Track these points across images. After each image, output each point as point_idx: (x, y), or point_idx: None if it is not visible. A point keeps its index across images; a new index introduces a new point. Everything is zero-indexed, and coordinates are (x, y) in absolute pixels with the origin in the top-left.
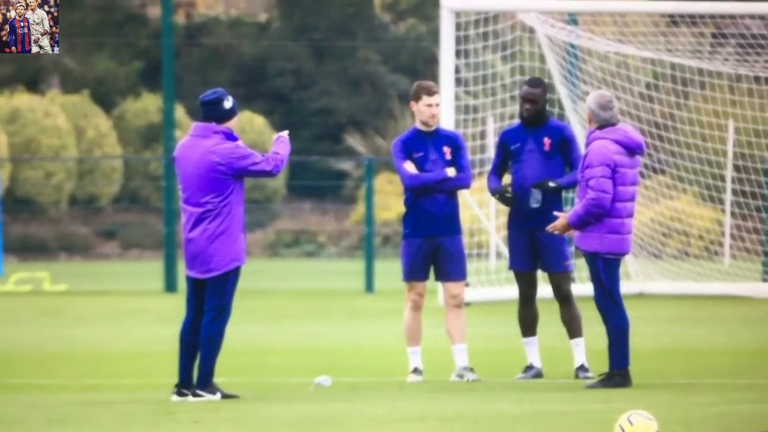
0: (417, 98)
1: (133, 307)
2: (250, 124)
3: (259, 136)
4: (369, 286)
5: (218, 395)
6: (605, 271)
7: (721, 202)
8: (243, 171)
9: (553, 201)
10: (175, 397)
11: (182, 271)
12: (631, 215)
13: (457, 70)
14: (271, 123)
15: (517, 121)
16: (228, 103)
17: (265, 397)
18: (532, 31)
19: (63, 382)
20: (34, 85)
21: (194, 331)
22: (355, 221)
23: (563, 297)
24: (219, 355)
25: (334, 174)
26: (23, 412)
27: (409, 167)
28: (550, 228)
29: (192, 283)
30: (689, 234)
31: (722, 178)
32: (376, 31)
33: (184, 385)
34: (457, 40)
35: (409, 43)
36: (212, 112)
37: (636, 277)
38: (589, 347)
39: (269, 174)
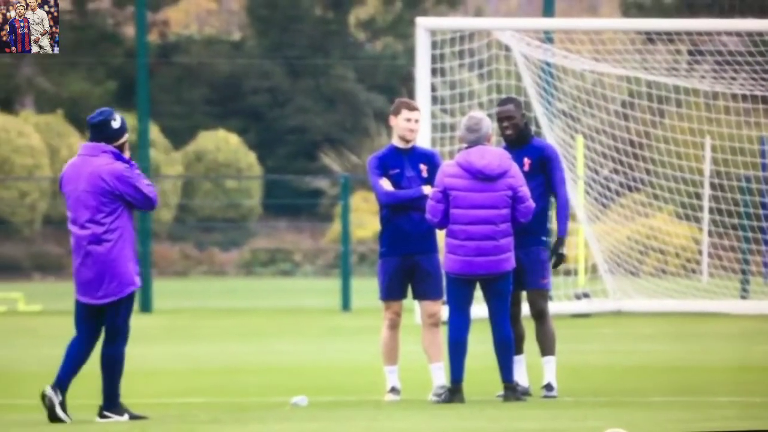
0: (397, 113)
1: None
2: (225, 142)
3: (234, 154)
4: (345, 305)
5: (126, 416)
6: (446, 288)
7: (698, 220)
8: (128, 194)
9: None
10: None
11: (158, 291)
12: (471, 238)
13: (434, 89)
14: (246, 141)
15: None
16: (116, 123)
17: (241, 417)
18: (507, 49)
19: (38, 402)
20: (8, 104)
21: (80, 352)
22: (330, 239)
23: (538, 314)
24: (122, 377)
25: (309, 192)
26: None
27: (385, 184)
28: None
29: (83, 307)
30: (666, 252)
31: (699, 196)
32: (352, 49)
33: (60, 385)
34: (433, 59)
35: (385, 61)
36: (101, 133)
37: (613, 295)
38: (565, 365)
39: (150, 204)
